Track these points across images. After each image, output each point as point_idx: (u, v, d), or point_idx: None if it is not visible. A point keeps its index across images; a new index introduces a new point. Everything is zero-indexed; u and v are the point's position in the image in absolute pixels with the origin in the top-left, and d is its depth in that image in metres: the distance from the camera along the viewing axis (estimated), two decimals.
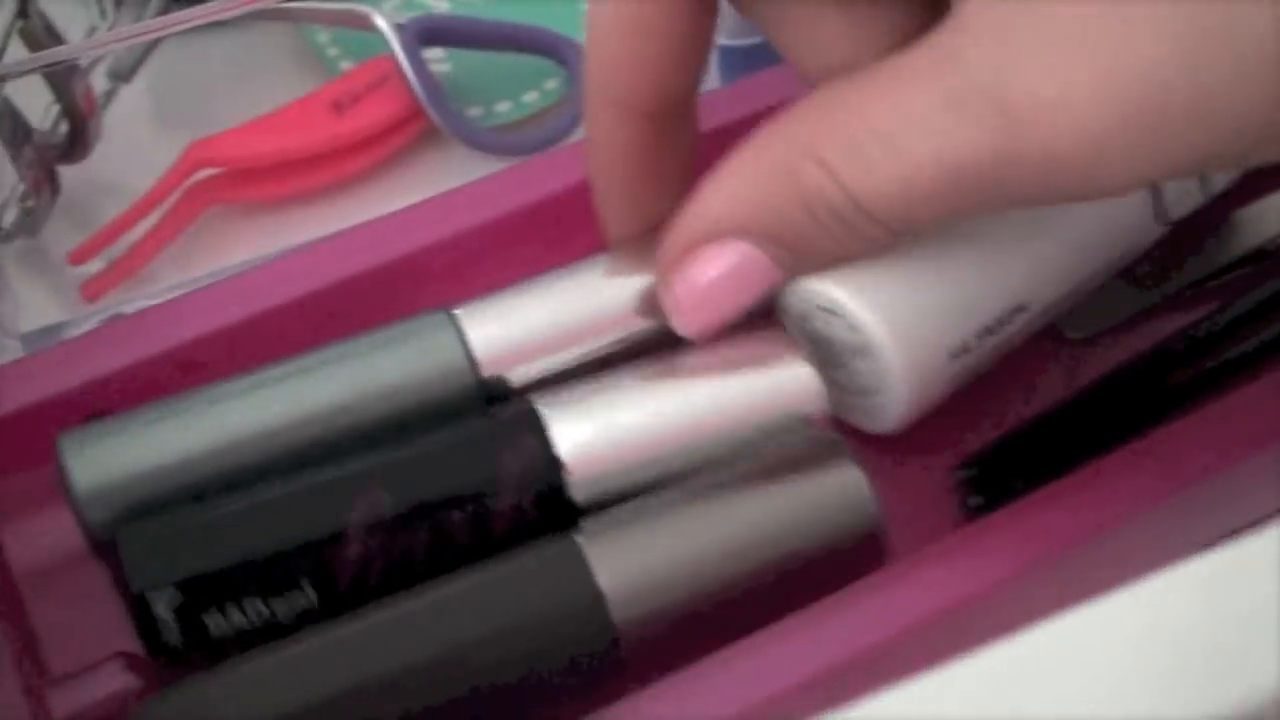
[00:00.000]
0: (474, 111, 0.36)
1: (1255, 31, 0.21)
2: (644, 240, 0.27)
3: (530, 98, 0.36)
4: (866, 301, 0.26)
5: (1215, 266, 0.31)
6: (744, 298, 0.26)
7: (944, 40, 0.23)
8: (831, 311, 0.27)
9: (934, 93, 0.23)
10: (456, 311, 0.27)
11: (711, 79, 0.35)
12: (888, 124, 0.23)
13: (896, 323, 0.26)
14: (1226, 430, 0.27)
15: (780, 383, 0.27)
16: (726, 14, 0.27)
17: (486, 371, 0.27)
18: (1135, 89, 0.22)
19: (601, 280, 0.28)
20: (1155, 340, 0.30)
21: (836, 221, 0.24)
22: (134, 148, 0.36)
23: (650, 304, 0.27)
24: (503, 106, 0.36)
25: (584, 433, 0.26)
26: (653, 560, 0.24)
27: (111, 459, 0.26)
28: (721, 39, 0.35)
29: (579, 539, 0.24)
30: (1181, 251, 0.31)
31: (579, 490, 0.25)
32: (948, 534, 0.26)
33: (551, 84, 0.37)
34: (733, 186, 0.25)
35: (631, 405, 0.26)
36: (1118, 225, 0.29)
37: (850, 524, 0.25)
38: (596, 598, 0.23)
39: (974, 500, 0.27)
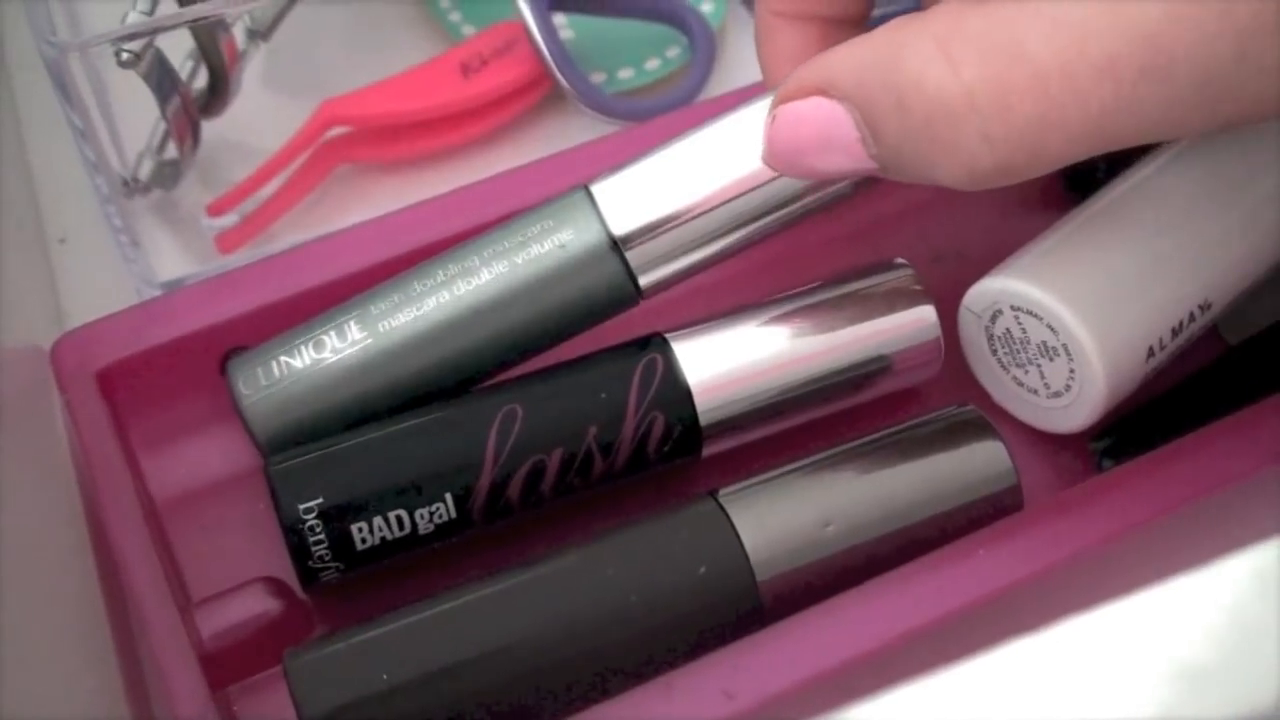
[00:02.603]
0: (597, 77, 0.37)
1: None
2: None
3: (652, 65, 0.37)
4: (1068, 302, 0.26)
5: None
6: (829, 161, 0.25)
7: None
8: (1029, 312, 0.27)
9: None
10: (593, 187, 0.27)
11: None
12: (1013, 16, 0.22)
13: (1099, 325, 0.26)
14: None
15: (901, 323, 0.27)
16: None
17: (629, 250, 0.27)
18: None
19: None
20: None
21: (923, 114, 0.23)
22: (263, 107, 0.36)
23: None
24: (625, 73, 0.37)
25: (709, 362, 0.26)
26: (794, 530, 0.24)
27: (277, 381, 0.26)
28: None
29: (725, 505, 0.25)
30: None
31: (705, 416, 0.26)
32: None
33: (674, 52, 0.37)
34: (851, 49, 0.24)
35: (754, 337, 0.27)
36: None
37: (991, 494, 0.25)
38: (744, 564, 0.24)
39: (1109, 466, 0.27)
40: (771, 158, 0.25)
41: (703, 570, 0.23)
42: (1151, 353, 0.27)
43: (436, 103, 0.35)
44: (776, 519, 0.24)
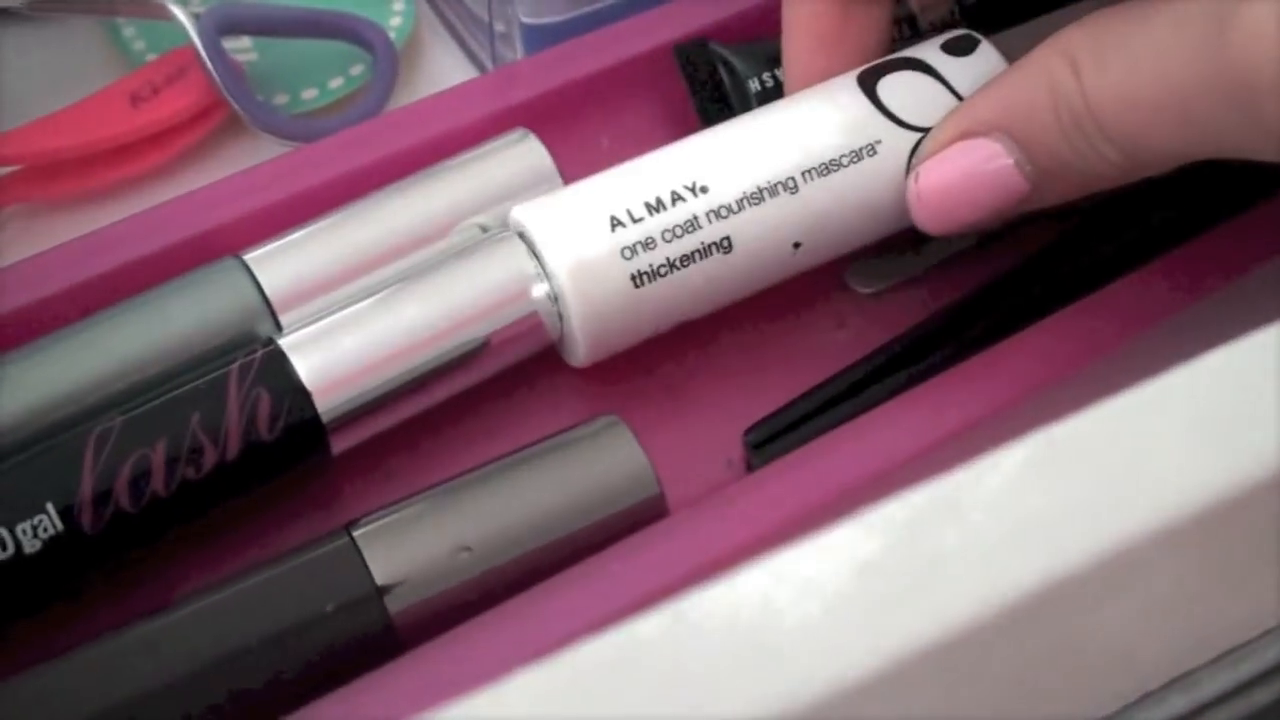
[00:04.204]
0: (280, 99, 0.36)
1: None
2: None
3: (336, 84, 0.36)
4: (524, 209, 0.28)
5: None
6: (986, 201, 0.26)
7: None
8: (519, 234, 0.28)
9: (1178, 10, 0.22)
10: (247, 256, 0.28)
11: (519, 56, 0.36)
12: (1133, 34, 0.23)
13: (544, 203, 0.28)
14: (992, 386, 0.28)
15: (502, 282, 0.28)
16: None
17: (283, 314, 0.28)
18: None
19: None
20: (944, 299, 0.30)
21: (1076, 128, 0.24)
22: None
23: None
24: (309, 93, 0.36)
25: (310, 335, 0.26)
26: (428, 558, 0.24)
27: None
28: (524, 18, 0.35)
29: (356, 535, 0.24)
30: None
31: (311, 381, 0.26)
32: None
33: (357, 69, 0.36)
34: (996, 87, 0.26)
35: (367, 321, 0.27)
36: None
37: (633, 505, 0.25)
38: (374, 597, 0.24)
39: (758, 463, 0.27)
40: (922, 215, 0.27)
41: (330, 608, 0.23)
42: (618, 223, 0.27)
43: (104, 135, 0.34)
44: (410, 548, 0.24)
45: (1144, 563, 0.17)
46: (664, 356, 0.29)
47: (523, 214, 0.28)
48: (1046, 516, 0.17)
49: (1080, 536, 0.17)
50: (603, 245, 0.27)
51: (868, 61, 0.29)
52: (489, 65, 0.37)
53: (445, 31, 0.38)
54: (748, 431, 0.28)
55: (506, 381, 0.29)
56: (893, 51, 0.30)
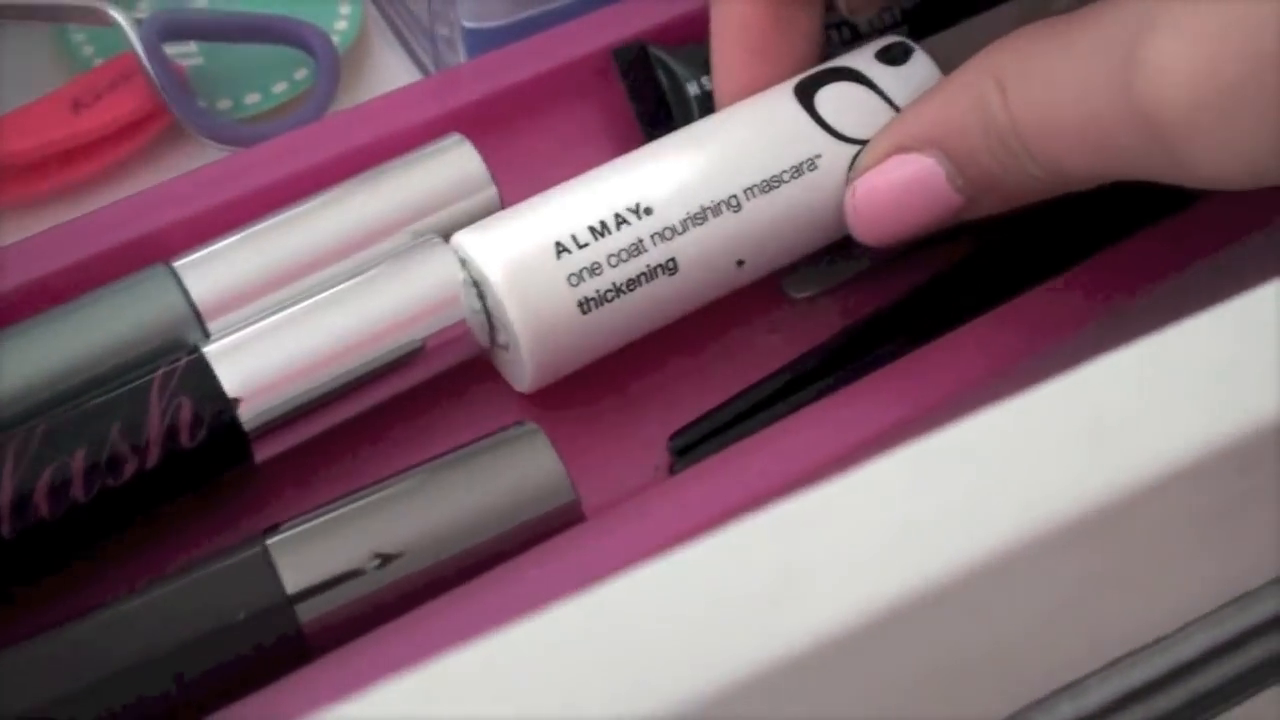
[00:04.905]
0: (224, 104, 0.36)
1: None
2: None
3: (279, 88, 0.36)
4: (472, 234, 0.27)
5: None
6: (919, 215, 0.26)
7: None
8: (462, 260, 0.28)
9: (1095, 37, 0.23)
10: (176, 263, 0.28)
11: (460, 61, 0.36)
12: (1055, 58, 0.24)
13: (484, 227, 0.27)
14: (924, 384, 0.28)
15: (429, 289, 0.27)
16: None
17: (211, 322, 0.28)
18: (1255, 48, 0.20)
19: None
20: (876, 303, 0.30)
21: (1003, 147, 0.25)
22: None
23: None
24: (252, 98, 0.36)
25: (234, 343, 0.26)
26: (341, 565, 0.24)
27: None
28: (466, 21, 0.35)
29: (269, 544, 0.24)
30: None
31: (232, 387, 0.26)
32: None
33: (301, 74, 0.37)
34: (928, 102, 0.26)
35: (293, 329, 0.27)
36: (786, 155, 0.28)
37: (549, 511, 0.25)
38: (285, 606, 0.24)
39: (681, 468, 0.27)
40: (859, 227, 0.27)
41: (242, 616, 0.23)
42: (564, 249, 0.27)
43: (45, 140, 0.34)
44: (322, 556, 0.24)
45: (1025, 569, 0.18)
46: (597, 363, 0.29)
47: (467, 241, 0.28)
48: (919, 524, 0.17)
49: (956, 543, 0.17)
50: (549, 273, 0.27)
51: (799, 71, 0.29)
52: (432, 69, 0.37)
53: (392, 35, 0.39)
54: (673, 437, 0.28)
55: (436, 388, 0.29)
56: (828, 58, 0.30)
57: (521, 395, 0.29)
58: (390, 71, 0.38)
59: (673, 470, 0.27)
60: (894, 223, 0.27)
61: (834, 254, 0.30)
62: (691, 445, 0.28)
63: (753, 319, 0.30)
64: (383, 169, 0.30)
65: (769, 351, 0.30)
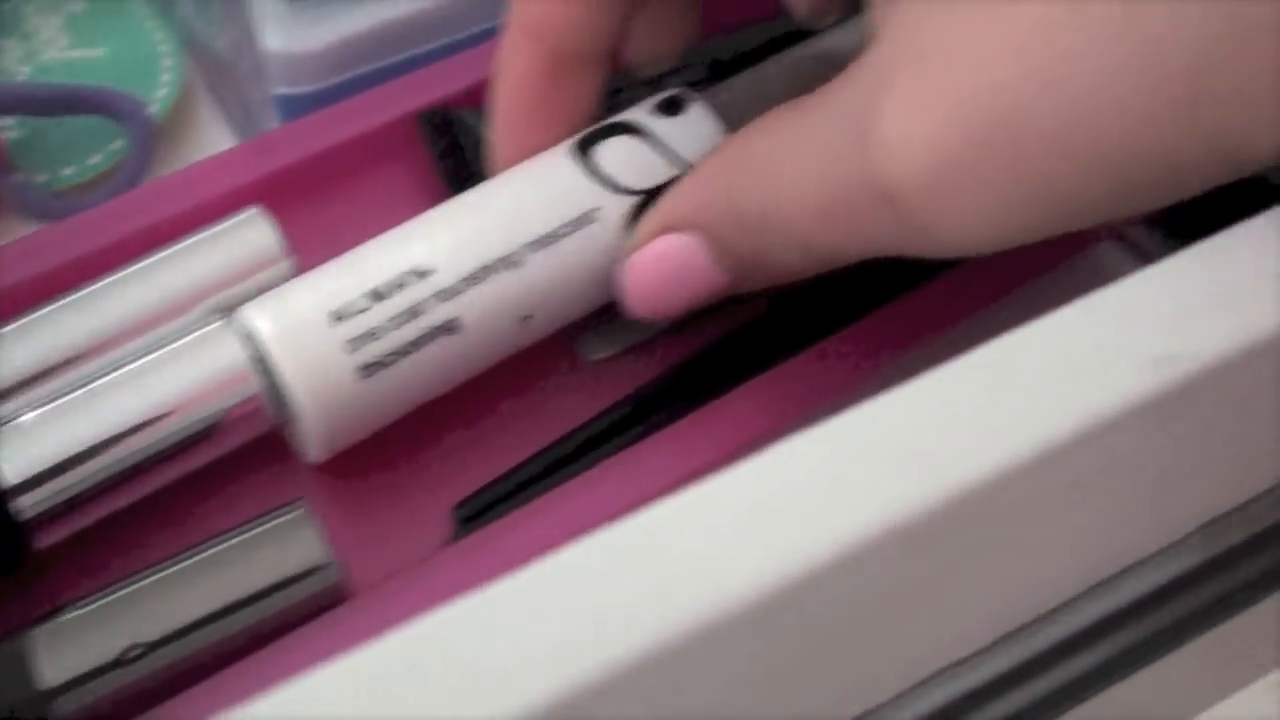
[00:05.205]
0: (41, 177, 0.36)
1: (1108, 56, 0.20)
2: None
3: (95, 160, 0.36)
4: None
5: None
6: (685, 293, 0.27)
7: (866, 52, 0.23)
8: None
9: (831, 114, 0.23)
10: None
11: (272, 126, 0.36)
12: (800, 139, 0.24)
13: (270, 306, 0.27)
14: (705, 444, 0.28)
15: (217, 367, 0.28)
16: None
17: None
18: (982, 115, 0.21)
19: None
20: (670, 363, 0.31)
21: (756, 231, 0.25)
22: None
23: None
24: (68, 171, 0.36)
25: (22, 451, 0.26)
26: (97, 659, 0.24)
27: None
28: (277, 87, 0.35)
29: (29, 636, 0.24)
30: None
31: (28, 509, 0.26)
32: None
33: (118, 144, 0.37)
34: (690, 182, 0.27)
35: (75, 413, 0.27)
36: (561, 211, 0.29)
37: (314, 593, 0.25)
38: (39, 696, 0.24)
39: (464, 534, 0.28)
40: (635, 306, 0.27)
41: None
42: (341, 316, 0.27)
43: None
44: (80, 649, 0.24)
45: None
46: (391, 427, 0.30)
47: (246, 315, 0.28)
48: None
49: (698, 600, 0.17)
50: (326, 340, 0.27)
51: (577, 129, 0.30)
52: (249, 135, 0.37)
53: (214, 101, 0.39)
54: (456, 506, 0.28)
55: (232, 465, 0.29)
56: (609, 115, 0.30)
57: (314, 467, 0.29)
58: (211, 138, 0.38)
59: (456, 539, 0.28)
60: (663, 299, 0.27)
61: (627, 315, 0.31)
62: (477, 513, 0.28)
63: (548, 382, 0.31)
64: (181, 244, 0.30)
65: (562, 415, 0.30)
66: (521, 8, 0.28)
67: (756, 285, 0.27)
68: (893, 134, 0.22)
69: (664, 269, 0.27)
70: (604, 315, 0.30)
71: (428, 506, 0.29)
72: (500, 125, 0.30)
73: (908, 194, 0.22)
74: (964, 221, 0.22)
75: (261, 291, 0.30)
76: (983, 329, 0.28)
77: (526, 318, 0.29)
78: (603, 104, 0.30)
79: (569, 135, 0.29)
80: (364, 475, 0.29)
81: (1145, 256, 0.33)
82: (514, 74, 0.29)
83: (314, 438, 0.27)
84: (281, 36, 0.35)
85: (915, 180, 0.22)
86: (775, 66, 0.32)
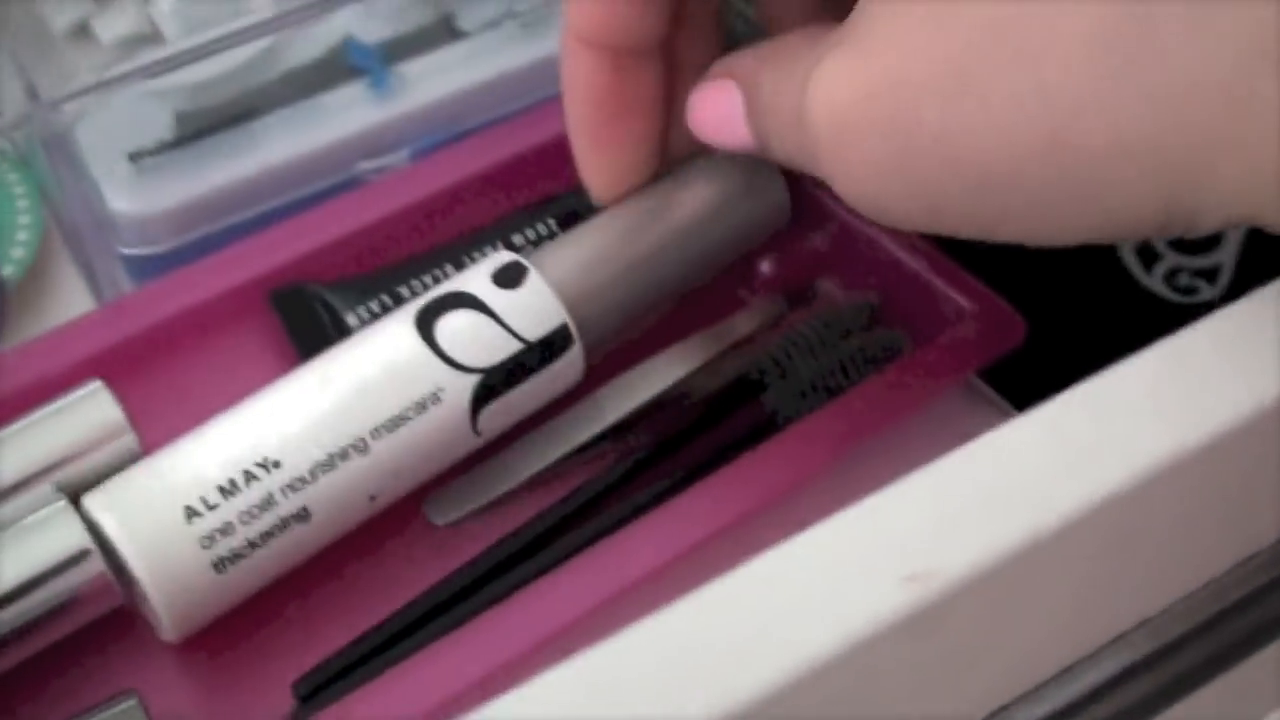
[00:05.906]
0: None
1: (1001, 89, 0.23)
2: None
3: None
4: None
5: (575, 444, 0.32)
6: (726, 135, 0.30)
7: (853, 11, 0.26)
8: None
9: (814, 52, 0.26)
10: None
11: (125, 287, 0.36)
12: (798, 58, 0.27)
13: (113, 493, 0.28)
14: (552, 609, 0.28)
15: (59, 552, 0.28)
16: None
17: None
18: (885, 103, 0.24)
19: None
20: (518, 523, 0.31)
21: (763, 118, 0.28)
22: None
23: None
24: None
25: None
26: None
27: None
28: (123, 248, 0.35)
29: None
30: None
31: None
32: None
33: None
34: (757, 50, 0.29)
35: None
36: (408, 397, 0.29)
37: None
38: None
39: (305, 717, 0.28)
40: (691, 125, 0.30)
41: None
42: (194, 513, 0.27)
43: None
44: None
45: None
46: (244, 603, 0.30)
47: (95, 505, 0.28)
48: None
49: None
50: (181, 538, 0.27)
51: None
52: (103, 295, 0.37)
53: (73, 260, 0.39)
54: (296, 682, 0.28)
55: (84, 640, 0.29)
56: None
57: (156, 643, 0.29)
58: (68, 298, 0.38)
59: (296, 717, 0.28)
60: (712, 132, 0.30)
61: (473, 478, 0.31)
62: (316, 690, 0.28)
63: (397, 549, 0.31)
64: (21, 421, 0.30)
65: (410, 582, 0.30)
66: (572, 18, 0.30)
67: (779, 159, 0.29)
68: (818, 90, 0.25)
69: (715, 109, 0.30)
70: (450, 476, 0.31)
71: (271, 680, 0.29)
72: (577, 130, 0.31)
73: (813, 139, 0.26)
74: (849, 186, 0.26)
75: (106, 467, 0.30)
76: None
77: (374, 497, 0.29)
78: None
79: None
80: (210, 651, 0.29)
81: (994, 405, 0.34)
82: (579, 81, 0.31)
83: (168, 625, 0.28)
84: (126, 197, 0.35)
85: (820, 132, 0.26)
86: (600, 225, 0.32)
